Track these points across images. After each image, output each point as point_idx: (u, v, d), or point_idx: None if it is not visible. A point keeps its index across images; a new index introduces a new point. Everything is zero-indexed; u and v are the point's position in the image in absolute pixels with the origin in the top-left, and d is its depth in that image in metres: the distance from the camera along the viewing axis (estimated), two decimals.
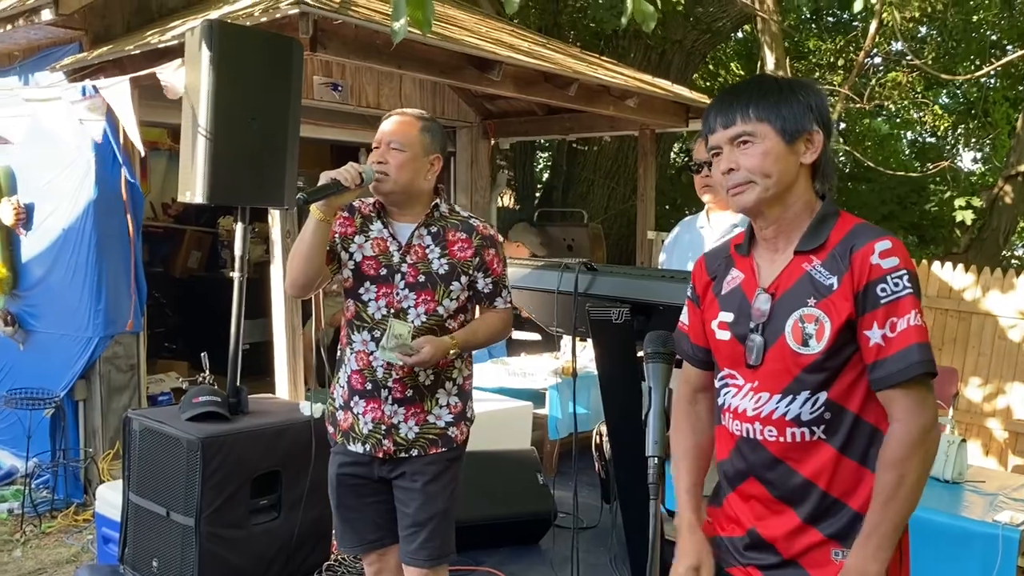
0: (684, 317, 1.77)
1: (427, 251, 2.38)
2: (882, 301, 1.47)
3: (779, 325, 1.54)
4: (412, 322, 2.33)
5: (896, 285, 1.48)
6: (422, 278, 2.35)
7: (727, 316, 1.63)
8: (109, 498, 3.49)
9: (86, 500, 4.51)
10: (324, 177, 2.28)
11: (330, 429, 2.51)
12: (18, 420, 4.51)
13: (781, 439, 1.56)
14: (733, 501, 1.65)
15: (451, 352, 2.33)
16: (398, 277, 2.36)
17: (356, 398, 2.42)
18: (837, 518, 1.55)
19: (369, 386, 2.39)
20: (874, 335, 1.47)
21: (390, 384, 2.37)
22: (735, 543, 1.66)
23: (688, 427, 1.75)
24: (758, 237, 1.64)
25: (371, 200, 2.44)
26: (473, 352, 2.56)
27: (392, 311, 2.35)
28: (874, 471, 1.52)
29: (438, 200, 2.43)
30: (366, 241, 2.41)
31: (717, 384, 1.68)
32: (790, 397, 1.54)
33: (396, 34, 2.33)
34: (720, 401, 1.67)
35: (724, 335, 1.63)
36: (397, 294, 2.36)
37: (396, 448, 2.38)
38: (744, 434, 1.59)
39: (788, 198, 1.56)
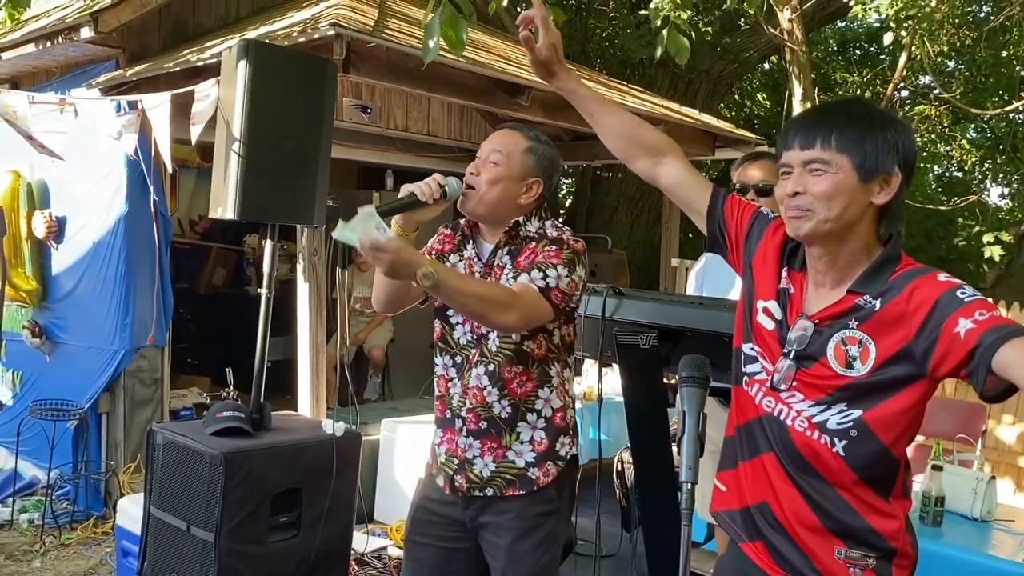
0: (731, 199, 1.74)
1: (503, 271, 2.15)
2: (965, 300, 1.40)
3: (818, 350, 1.52)
4: (491, 347, 2.11)
5: (970, 291, 1.43)
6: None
7: (777, 312, 1.59)
8: (130, 511, 3.50)
9: (106, 513, 4.53)
10: (404, 190, 2.07)
11: (430, 459, 2.30)
12: (42, 431, 4.55)
13: (809, 434, 1.54)
14: (746, 469, 1.65)
15: (420, 271, 1.80)
16: None
17: (439, 427, 2.24)
18: (847, 520, 1.53)
19: (448, 414, 2.20)
20: (963, 325, 1.37)
21: (463, 414, 2.15)
22: (739, 515, 1.67)
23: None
24: (808, 264, 1.58)
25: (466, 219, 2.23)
26: (566, 384, 2.24)
27: (475, 336, 2.15)
28: (888, 500, 1.53)
29: (521, 218, 2.16)
30: (459, 261, 2.22)
31: (747, 351, 1.64)
32: (824, 406, 1.52)
33: (428, 53, 2.34)
34: (749, 370, 1.63)
35: (768, 322, 1.60)
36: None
37: (469, 485, 2.14)
38: (775, 413, 1.57)
39: (848, 235, 1.50)
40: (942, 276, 1.46)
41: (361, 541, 3.83)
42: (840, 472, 1.52)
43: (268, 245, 3.15)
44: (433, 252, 2.25)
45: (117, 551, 3.68)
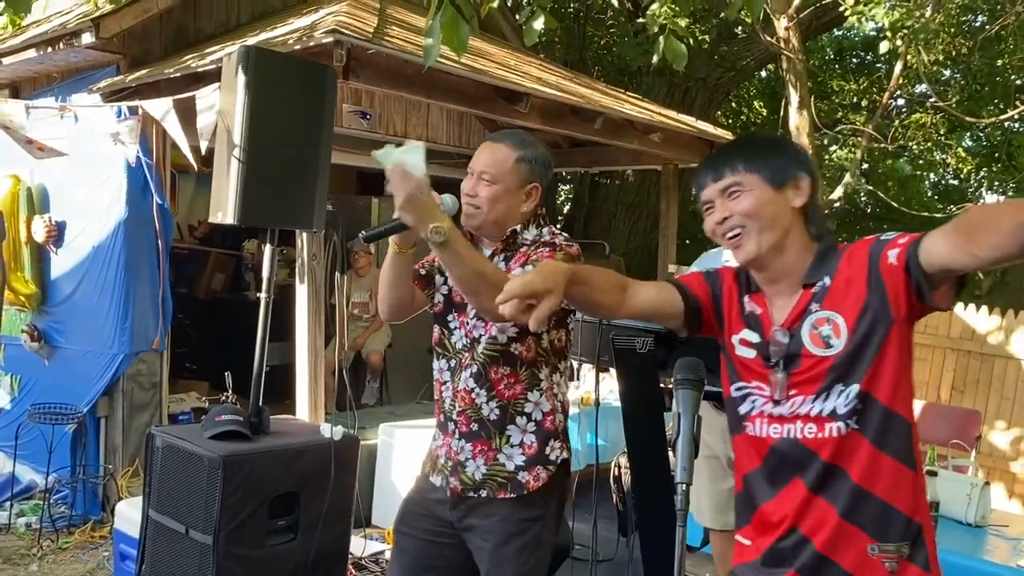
0: (685, 278, 1.79)
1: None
2: (887, 239, 1.53)
3: (797, 346, 1.59)
4: (479, 351, 2.15)
5: (891, 232, 1.55)
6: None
7: (752, 336, 1.66)
8: (128, 515, 3.51)
9: (103, 517, 4.53)
10: (398, 208, 2.02)
11: (425, 463, 2.35)
12: (40, 435, 4.56)
13: (820, 435, 1.58)
14: (767, 510, 1.66)
15: (432, 226, 1.86)
16: (469, 306, 2.17)
17: (438, 430, 2.29)
18: (871, 512, 1.57)
19: (443, 418, 2.26)
20: (892, 255, 1.50)
21: (455, 417, 2.20)
22: (759, 560, 1.67)
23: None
24: (762, 285, 1.68)
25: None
26: (556, 388, 2.24)
27: (468, 340, 2.18)
28: (910, 467, 1.58)
29: (518, 227, 2.19)
30: None
31: (735, 394, 1.70)
32: (824, 395, 1.58)
33: (429, 55, 2.37)
34: (742, 410, 1.68)
35: (748, 352, 1.67)
36: (468, 323, 2.19)
37: (463, 487, 2.18)
38: (785, 435, 1.61)
39: (784, 242, 1.61)
40: (869, 236, 1.59)
41: (359, 545, 3.85)
42: (861, 452, 1.56)
43: (267, 250, 3.17)
44: (437, 260, 2.24)
45: (115, 555, 3.68)
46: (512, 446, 2.16)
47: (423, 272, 2.28)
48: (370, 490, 4.65)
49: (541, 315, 1.50)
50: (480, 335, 2.15)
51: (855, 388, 1.55)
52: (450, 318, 2.23)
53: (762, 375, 1.64)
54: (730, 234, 1.61)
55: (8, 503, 4.63)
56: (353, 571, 3.81)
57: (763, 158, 1.62)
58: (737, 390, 1.69)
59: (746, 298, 1.70)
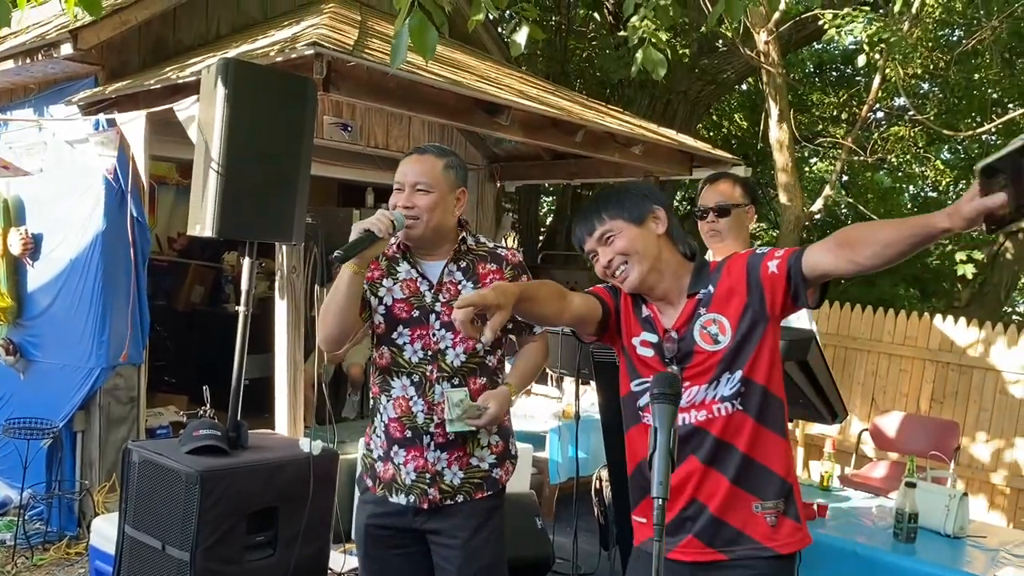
0: (596, 289, 2.06)
1: (460, 287, 2.30)
2: (763, 253, 1.86)
3: (689, 345, 1.88)
4: (452, 363, 2.27)
5: (763, 248, 1.90)
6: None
7: (650, 337, 1.95)
8: (104, 531, 3.46)
9: (79, 533, 4.47)
10: (355, 229, 2.17)
11: (368, 482, 2.40)
12: (15, 450, 4.49)
13: (711, 416, 1.88)
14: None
15: (513, 399, 2.27)
16: (433, 317, 2.28)
17: (396, 447, 2.31)
18: (755, 477, 1.87)
19: (409, 434, 2.29)
20: (772, 266, 1.82)
21: (432, 429, 2.27)
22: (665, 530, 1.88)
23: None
24: (652, 301, 1.96)
25: (394, 241, 2.34)
26: None
27: (429, 353, 2.27)
28: (783, 436, 1.90)
29: (464, 234, 2.36)
30: (395, 284, 2.33)
31: (635, 388, 1.98)
32: (715, 383, 1.88)
33: (396, 58, 2.39)
34: (642, 402, 1.96)
35: (648, 352, 1.95)
36: (434, 335, 2.27)
37: (442, 496, 2.27)
38: (681, 423, 1.87)
39: (660, 265, 1.92)
40: (740, 252, 1.93)
41: (338, 560, 3.81)
42: (746, 428, 1.85)
43: (246, 263, 3.15)
44: (364, 282, 2.31)
45: (91, 572, 3.63)
46: (482, 448, 2.33)
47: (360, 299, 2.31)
48: (350, 504, 4.60)
49: (495, 325, 1.70)
50: (447, 346, 2.27)
51: (739, 374, 1.86)
52: (396, 335, 2.30)
53: (659, 371, 1.90)
54: (617, 271, 1.93)
55: None
56: None
57: (620, 204, 1.93)
58: (637, 385, 1.98)
59: (642, 305, 1.98)
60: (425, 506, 2.28)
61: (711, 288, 1.89)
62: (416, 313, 2.29)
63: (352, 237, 2.16)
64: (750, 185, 3.15)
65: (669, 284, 1.93)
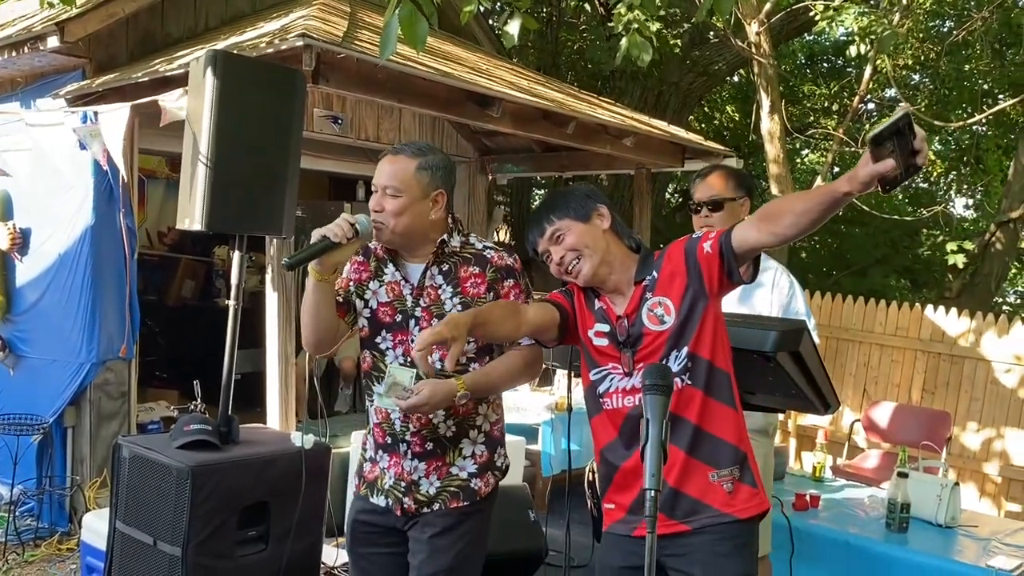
0: (552, 296, 2.18)
1: (439, 292, 2.21)
2: (699, 237, 2.00)
3: (638, 328, 2.01)
4: (442, 373, 2.15)
5: (698, 233, 2.07)
6: (435, 321, 2.13)
7: (603, 327, 2.07)
8: (95, 526, 3.44)
9: (71, 529, 4.45)
10: (315, 235, 2.11)
11: (356, 480, 2.40)
12: (5, 446, 4.47)
13: None
14: (627, 468, 2.02)
15: (458, 396, 2.08)
16: (412, 323, 2.20)
17: (380, 451, 2.30)
18: (708, 447, 1.98)
19: (389, 440, 2.26)
20: (706, 247, 1.96)
21: (408, 438, 2.21)
22: (627, 514, 2.03)
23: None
24: (605, 293, 2.08)
25: (375, 245, 2.29)
26: (499, 399, 2.37)
27: (409, 359, 2.19)
28: (732, 408, 2.01)
29: (448, 235, 2.24)
30: (380, 287, 2.27)
31: (594, 377, 2.08)
32: (665, 360, 1.99)
33: (385, 49, 2.38)
34: (601, 389, 2.07)
35: (602, 341, 2.07)
36: (413, 340, 2.17)
37: (417, 505, 2.24)
38: (636, 403, 1.96)
39: (609, 258, 2.05)
40: (680, 239, 2.05)
41: (331, 554, 3.80)
42: (696, 401, 1.97)
43: (236, 256, 3.13)
44: (351, 283, 2.29)
45: (82, 567, 3.62)
46: (464, 458, 2.26)
47: (339, 299, 2.28)
48: (342, 499, 4.59)
49: (452, 355, 1.85)
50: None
51: (685, 351, 1.98)
52: (379, 340, 2.25)
53: (614, 357, 2.04)
54: (569, 268, 2.05)
55: None
56: None
57: (565, 205, 2.08)
58: (596, 374, 2.08)
59: (595, 299, 2.10)
60: (399, 513, 2.25)
61: (655, 274, 2.03)
62: (399, 318, 2.23)
63: (311, 241, 2.12)
64: (744, 177, 3.11)
65: (619, 275, 2.06)
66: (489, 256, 2.25)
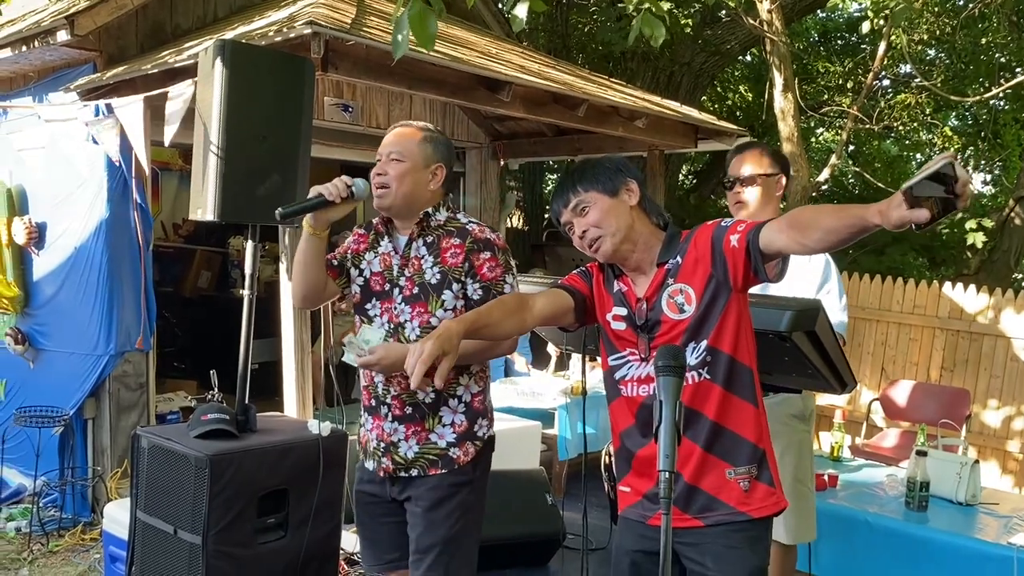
0: (567, 279, 2.14)
1: (422, 261, 2.32)
2: (727, 226, 1.91)
3: (657, 313, 1.95)
4: (409, 336, 2.29)
5: (727, 220, 1.94)
6: (416, 290, 2.29)
7: (621, 311, 2.02)
8: (117, 516, 3.48)
9: (93, 519, 4.50)
10: (313, 191, 2.28)
11: (358, 446, 2.53)
12: (27, 438, 4.52)
13: None
14: (644, 454, 1.98)
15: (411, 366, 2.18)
16: (396, 291, 2.34)
17: (366, 415, 2.42)
18: (726, 443, 1.93)
19: (373, 402, 2.39)
20: (733, 240, 1.87)
21: (388, 400, 2.34)
22: (643, 499, 2.01)
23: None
24: (626, 272, 2.03)
25: (377, 220, 2.42)
26: (485, 371, 2.44)
27: (392, 326, 2.32)
28: (753, 404, 1.95)
29: (433, 209, 2.35)
30: (375, 257, 2.41)
31: (613, 362, 2.04)
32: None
33: (398, 48, 2.37)
34: (619, 375, 2.03)
35: (620, 325, 2.02)
36: (395, 308, 2.33)
37: (395, 467, 2.34)
38: (651, 394, 1.93)
39: (633, 236, 1.98)
40: (709, 223, 1.96)
41: (350, 540, 3.83)
42: (714, 396, 1.91)
43: (249, 246, 3.13)
44: (349, 252, 2.44)
45: (105, 557, 3.66)
46: (444, 426, 2.34)
47: (335, 263, 2.44)
48: None
49: (443, 372, 1.78)
50: (405, 320, 2.30)
51: (704, 344, 1.92)
52: (369, 307, 2.38)
53: (632, 342, 2.00)
54: (591, 242, 1.98)
55: None
56: (345, 567, 3.79)
57: (594, 177, 1.99)
58: (615, 360, 2.04)
59: (615, 280, 2.05)
60: (382, 474, 2.36)
61: (679, 259, 1.95)
62: (387, 287, 2.35)
63: (308, 196, 2.29)
64: (780, 155, 3.06)
65: (641, 254, 1.99)
66: (470, 228, 2.33)
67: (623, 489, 2.09)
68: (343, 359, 2.30)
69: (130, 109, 4.11)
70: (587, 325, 2.14)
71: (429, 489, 2.32)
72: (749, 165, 2.88)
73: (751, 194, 2.85)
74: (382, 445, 2.35)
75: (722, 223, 1.94)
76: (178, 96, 3.85)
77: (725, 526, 1.93)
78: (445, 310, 2.28)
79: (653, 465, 1.86)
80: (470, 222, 2.37)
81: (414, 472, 2.33)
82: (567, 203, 2.01)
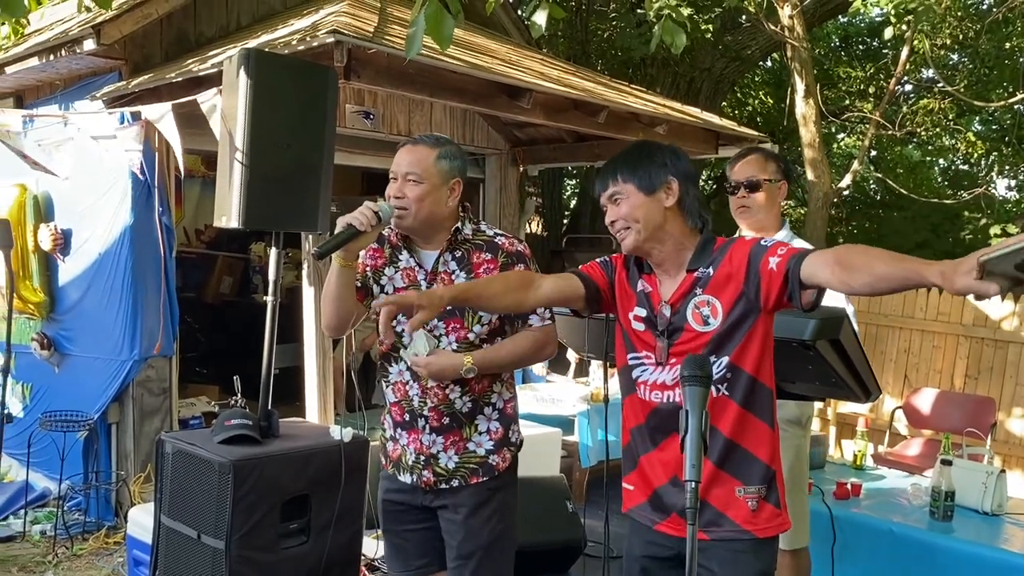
0: (586, 267, 2.13)
1: (453, 277, 2.32)
2: (767, 246, 1.86)
3: (680, 321, 1.93)
4: (444, 349, 2.30)
5: (769, 239, 1.91)
6: (449, 306, 2.31)
7: (642, 312, 2.00)
8: (141, 520, 3.51)
9: (117, 523, 4.54)
10: (340, 223, 2.24)
11: (383, 459, 2.51)
12: (52, 442, 4.57)
13: None
14: (650, 459, 2.00)
15: (464, 369, 2.22)
16: None
17: (399, 430, 2.42)
18: (739, 461, 1.92)
19: (407, 417, 2.39)
20: (772, 262, 1.82)
21: (426, 413, 2.34)
22: (648, 503, 2.01)
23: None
24: (653, 269, 2.01)
25: (388, 232, 2.41)
26: (512, 378, 2.48)
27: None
28: (769, 425, 1.93)
29: (460, 223, 2.36)
30: (396, 272, 2.40)
31: (631, 361, 2.03)
32: None
33: (411, 48, 2.39)
34: (634, 375, 2.02)
35: (640, 326, 2.01)
36: (427, 324, 2.28)
37: (436, 479, 2.35)
38: (664, 400, 1.96)
39: (660, 235, 1.95)
40: (747, 237, 1.95)
41: (371, 546, 3.84)
42: (730, 412, 1.90)
43: (273, 253, 3.16)
44: (367, 268, 2.42)
45: (129, 561, 3.69)
46: (480, 433, 2.36)
47: (358, 284, 2.41)
48: None
49: (414, 323, 1.90)
50: (440, 334, 2.30)
51: (726, 360, 1.90)
52: (394, 323, 2.33)
53: (651, 345, 1.98)
54: (618, 232, 1.98)
55: (22, 511, 4.65)
56: (366, 572, 3.80)
57: (634, 170, 1.95)
58: (632, 359, 2.03)
59: (640, 279, 2.02)
60: (422, 486, 2.36)
61: (711, 271, 1.92)
62: None
63: (336, 230, 2.24)
64: (782, 160, 3.08)
65: (669, 254, 1.97)
66: (500, 243, 2.34)
67: (627, 487, 2.09)
68: (405, 357, 2.33)
69: (165, 118, 4.13)
70: (602, 312, 2.15)
71: (469, 495, 2.34)
72: (752, 170, 2.92)
73: (754, 199, 2.88)
74: (422, 458, 2.35)
75: (762, 242, 1.91)
76: (207, 101, 3.89)
77: (729, 542, 1.93)
78: (481, 324, 2.30)
79: (657, 468, 1.96)
80: (497, 234, 2.38)
81: (455, 483, 2.34)
82: (605, 188, 2.00)
